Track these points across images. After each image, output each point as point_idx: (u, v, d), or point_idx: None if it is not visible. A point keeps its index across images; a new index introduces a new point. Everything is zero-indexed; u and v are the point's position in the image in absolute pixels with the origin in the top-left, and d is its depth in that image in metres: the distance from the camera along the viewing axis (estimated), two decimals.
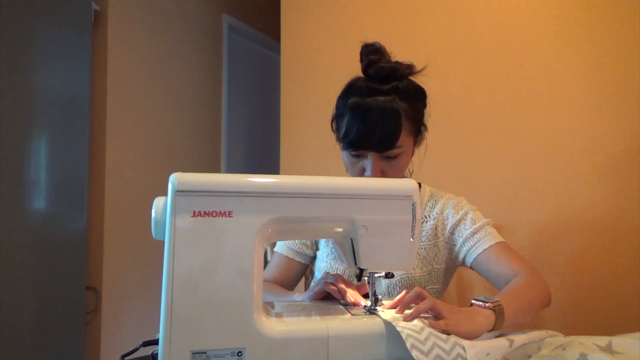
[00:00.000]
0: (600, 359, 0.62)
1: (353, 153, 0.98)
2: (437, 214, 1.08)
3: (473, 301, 0.77)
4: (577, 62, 1.57)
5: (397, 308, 0.74)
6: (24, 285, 1.92)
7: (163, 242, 0.66)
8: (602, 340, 0.69)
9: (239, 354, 0.64)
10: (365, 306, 0.78)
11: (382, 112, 0.93)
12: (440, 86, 1.78)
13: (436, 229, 1.07)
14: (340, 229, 0.76)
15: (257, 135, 3.58)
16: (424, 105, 1.03)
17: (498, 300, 0.76)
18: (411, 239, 0.75)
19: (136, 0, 2.54)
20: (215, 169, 3.11)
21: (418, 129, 1.01)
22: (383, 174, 0.97)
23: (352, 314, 0.75)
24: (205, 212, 0.66)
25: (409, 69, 1.00)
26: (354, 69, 2.06)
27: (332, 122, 1.06)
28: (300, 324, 0.70)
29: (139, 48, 2.55)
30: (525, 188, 1.63)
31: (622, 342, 0.68)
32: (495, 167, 1.68)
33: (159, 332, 0.64)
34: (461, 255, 1.04)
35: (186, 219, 0.65)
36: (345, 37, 2.03)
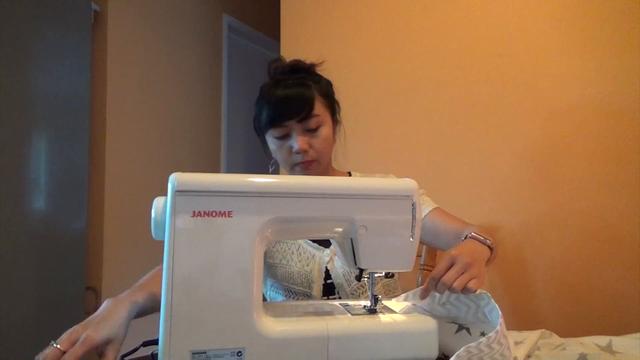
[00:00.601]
0: (601, 359, 0.62)
1: (277, 135, 1.05)
2: None
3: (472, 235, 0.85)
4: (576, 61, 1.57)
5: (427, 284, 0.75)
6: (23, 285, 1.92)
7: (163, 242, 0.66)
8: (602, 340, 0.69)
9: (239, 354, 0.64)
10: (365, 306, 0.78)
11: (294, 86, 1.04)
12: (439, 86, 1.78)
13: None
14: (340, 229, 0.76)
15: (257, 135, 3.57)
16: (333, 92, 1.12)
17: (492, 241, 0.85)
18: (411, 239, 0.75)
19: (136, 0, 2.54)
20: (215, 169, 3.10)
21: (332, 106, 1.10)
22: (310, 147, 1.04)
23: (352, 314, 0.75)
24: (205, 212, 0.66)
25: (311, 64, 1.10)
26: (354, 69, 2.06)
27: (254, 126, 1.13)
28: (300, 324, 0.70)
29: (139, 48, 2.55)
30: (525, 188, 1.63)
31: (622, 342, 0.68)
32: (493, 167, 1.68)
33: (159, 332, 0.64)
34: None
35: (186, 219, 0.65)
36: (345, 38, 2.03)
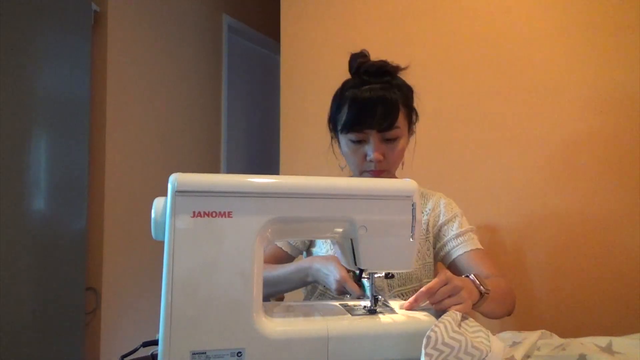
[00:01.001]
0: (600, 359, 0.62)
1: (354, 139, 1.03)
2: (429, 210, 1.14)
3: (472, 278, 0.82)
4: (576, 62, 1.57)
5: (428, 299, 0.75)
6: (23, 285, 1.92)
7: (163, 242, 0.66)
8: (602, 341, 0.69)
9: (239, 355, 0.64)
10: (365, 307, 0.78)
11: (380, 94, 1.00)
12: (438, 86, 1.78)
13: (428, 224, 1.13)
14: (340, 230, 0.76)
15: (257, 135, 3.58)
16: (413, 100, 1.09)
17: (489, 290, 0.82)
18: (411, 239, 0.75)
19: (136, 1, 2.54)
20: (215, 169, 3.10)
21: (411, 115, 1.08)
22: (384, 157, 1.02)
23: (352, 314, 0.75)
24: (205, 213, 0.66)
25: (396, 67, 1.07)
26: None
27: (329, 121, 1.11)
28: (300, 324, 0.70)
29: (139, 49, 2.55)
30: (524, 188, 1.63)
31: (622, 342, 0.68)
32: (492, 167, 1.68)
33: (158, 332, 0.64)
34: (443, 252, 1.10)
35: (186, 219, 0.65)
36: (345, 38, 2.03)
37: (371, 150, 1.02)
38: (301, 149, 2.15)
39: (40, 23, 2.00)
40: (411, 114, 1.08)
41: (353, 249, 0.76)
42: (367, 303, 0.79)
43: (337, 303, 0.83)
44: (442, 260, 1.12)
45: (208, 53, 3.08)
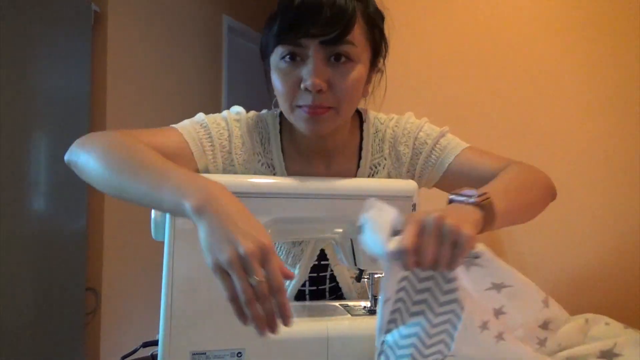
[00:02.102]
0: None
1: (285, 54, 0.70)
2: (386, 157, 0.86)
3: (452, 197, 0.60)
4: (577, 62, 1.57)
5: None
6: (23, 286, 1.92)
7: (163, 243, 0.66)
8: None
9: (239, 355, 0.64)
10: (365, 307, 0.78)
11: None
12: (439, 87, 1.78)
13: (390, 177, 0.86)
14: (340, 230, 0.76)
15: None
16: (383, 25, 0.80)
17: (485, 193, 0.59)
18: None
19: (136, 1, 2.54)
20: None
21: (376, 40, 0.77)
22: (329, 87, 0.70)
23: (352, 314, 0.75)
24: None
25: None
26: None
27: (260, 47, 0.78)
28: (300, 325, 0.70)
29: (139, 49, 2.55)
30: None
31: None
32: None
33: (158, 333, 0.64)
34: (425, 176, 0.85)
35: (186, 219, 0.64)
36: None
37: (309, 72, 0.69)
38: None
39: (40, 23, 1.99)
40: (376, 38, 0.77)
41: (353, 249, 0.76)
42: (367, 303, 0.79)
43: (337, 303, 0.83)
44: (426, 186, 0.87)
45: (208, 53, 3.08)
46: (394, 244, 0.51)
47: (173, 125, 0.80)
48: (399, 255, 0.50)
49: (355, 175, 0.85)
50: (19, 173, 1.92)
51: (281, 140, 0.84)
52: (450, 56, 1.78)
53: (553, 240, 1.57)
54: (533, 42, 1.64)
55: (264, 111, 0.89)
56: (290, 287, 0.89)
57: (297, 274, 0.88)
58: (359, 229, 0.56)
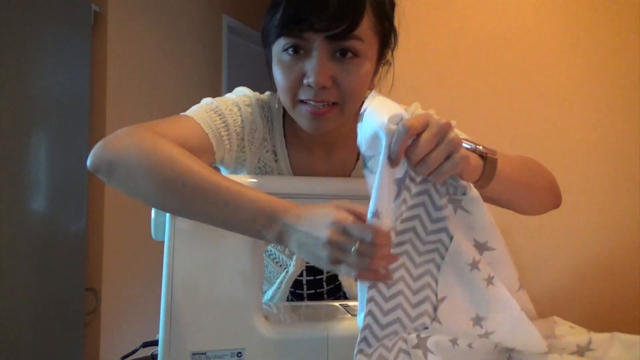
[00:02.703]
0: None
1: (288, 46, 0.66)
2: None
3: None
4: (577, 62, 1.57)
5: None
6: (23, 286, 1.92)
7: (163, 242, 0.65)
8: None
9: (239, 355, 0.64)
10: None
11: None
12: (438, 87, 1.78)
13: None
14: None
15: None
16: (393, 15, 0.77)
17: (494, 150, 0.61)
18: None
19: (136, 1, 2.54)
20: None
21: (384, 32, 0.73)
22: (334, 83, 0.67)
23: (352, 314, 0.75)
24: None
25: None
26: None
27: (262, 36, 0.74)
28: (299, 325, 0.70)
29: (139, 49, 2.55)
30: None
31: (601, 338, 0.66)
32: None
33: (158, 333, 0.64)
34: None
35: (186, 219, 0.64)
36: None
37: (312, 68, 0.65)
38: None
39: (40, 23, 1.99)
40: (385, 30, 0.73)
41: None
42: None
43: (337, 303, 0.83)
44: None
45: (208, 53, 3.08)
46: (394, 124, 0.50)
47: (187, 114, 0.75)
48: (398, 135, 0.49)
49: (354, 166, 0.84)
50: (19, 173, 1.92)
51: (283, 126, 0.82)
52: (450, 56, 1.78)
53: (552, 240, 1.57)
54: (533, 42, 1.64)
55: (267, 93, 0.86)
56: (287, 277, 0.89)
57: (294, 264, 0.88)
58: (360, 117, 0.54)
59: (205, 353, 0.63)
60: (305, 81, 0.66)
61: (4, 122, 1.85)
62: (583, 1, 1.56)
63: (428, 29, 1.84)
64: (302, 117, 0.70)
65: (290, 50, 0.67)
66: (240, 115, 0.77)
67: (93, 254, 2.27)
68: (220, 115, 0.75)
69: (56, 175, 2.05)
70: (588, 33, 1.55)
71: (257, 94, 0.85)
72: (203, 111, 0.75)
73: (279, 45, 0.68)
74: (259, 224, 0.57)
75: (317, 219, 0.53)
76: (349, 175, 0.84)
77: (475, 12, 1.75)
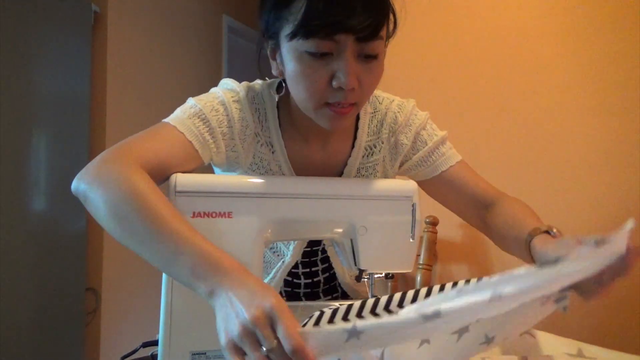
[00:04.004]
0: None
1: (315, 50, 0.65)
2: (383, 141, 0.86)
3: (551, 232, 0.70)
4: (577, 62, 1.57)
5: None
6: (23, 286, 1.92)
7: None
8: (572, 348, 0.68)
9: None
10: None
11: None
12: (440, 87, 1.78)
13: (384, 161, 0.87)
14: (340, 230, 0.76)
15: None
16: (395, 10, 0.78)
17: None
18: (411, 240, 0.75)
19: (136, 1, 2.54)
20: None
21: (388, 28, 0.75)
22: (359, 82, 0.67)
23: None
24: (204, 213, 0.66)
25: None
26: None
27: (263, 27, 0.73)
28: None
29: (139, 49, 2.55)
30: (526, 188, 1.63)
31: (591, 348, 0.68)
32: (491, 167, 1.68)
33: (158, 333, 0.64)
34: (412, 172, 0.87)
35: (186, 219, 0.64)
36: None
37: (343, 72, 0.65)
38: None
39: (40, 23, 2.00)
40: (389, 24, 0.74)
41: (353, 249, 0.76)
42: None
43: (337, 304, 0.83)
44: (410, 178, 0.87)
45: (208, 53, 3.08)
46: None
47: (168, 121, 0.75)
48: None
49: (349, 155, 0.85)
50: (19, 173, 1.92)
51: (278, 116, 0.82)
52: (450, 56, 1.78)
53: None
54: (533, 42, 1.64)
55: (257, 82, 0.86)
56: (284, 266, 0.89)
57: (290, 254, 0.88)
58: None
59: (205, 353, 0.63)
60: (334, 83, 0.66)
61: (4, 122, 1.85)
62: (583, 2, 1.56)
63: (427, 28, 1.84)
64: (324, 117, 0.70)
65: (317, 53, 0.65)
66: (227, 115, 0.77)
67: (93, 254, 2.27)
68: (203, 119, 0.76)
69: (56, 175, 2.05)
70: (588, 34, 1.55)
71: (246, 83, 0.85)
72: (186, 117, 0.76)
73: (301, 45, 0.65)
74: (195, 277, 0.56)
75: (252, 297, 0.51)
76: (345, 164, 0.85)
77: (475, 12, 1.75)
